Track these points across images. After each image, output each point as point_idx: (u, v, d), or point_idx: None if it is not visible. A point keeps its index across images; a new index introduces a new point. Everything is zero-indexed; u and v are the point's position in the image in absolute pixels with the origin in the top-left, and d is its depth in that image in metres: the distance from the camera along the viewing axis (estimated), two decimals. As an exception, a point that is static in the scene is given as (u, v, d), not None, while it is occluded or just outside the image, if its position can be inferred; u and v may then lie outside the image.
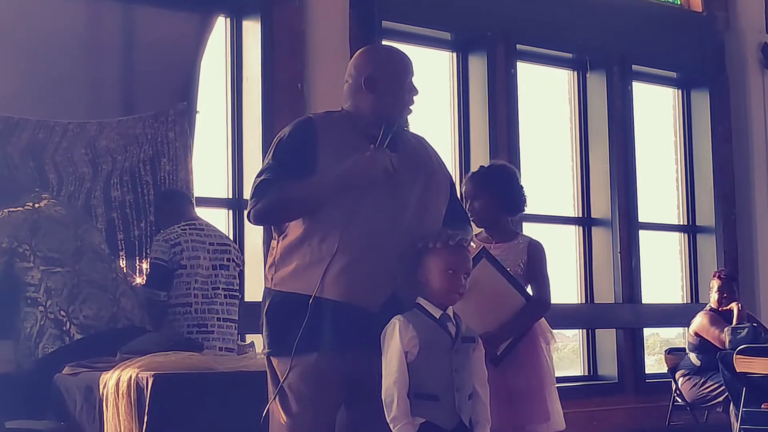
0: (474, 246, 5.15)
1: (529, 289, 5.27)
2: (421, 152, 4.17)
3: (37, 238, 5.67)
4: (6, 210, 5.75)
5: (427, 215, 4.02)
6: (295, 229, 3.98)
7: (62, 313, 5.57)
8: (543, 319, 5.30)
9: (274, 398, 3.95)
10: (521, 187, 5.43)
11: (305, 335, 3.83)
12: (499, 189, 5.34)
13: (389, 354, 3.77)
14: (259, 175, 4.02)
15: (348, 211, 3.88)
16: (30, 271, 5.62)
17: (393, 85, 4.12)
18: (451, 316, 3.89)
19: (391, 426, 3.72)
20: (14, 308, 5.66)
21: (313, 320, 3.83)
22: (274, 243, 4.08)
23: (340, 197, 3.90)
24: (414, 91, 4.15)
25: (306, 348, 3.85)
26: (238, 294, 6.29)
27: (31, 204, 5.83)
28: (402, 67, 4.17)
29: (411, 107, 4.14)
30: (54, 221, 5.80)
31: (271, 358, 3.99)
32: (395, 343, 3.76)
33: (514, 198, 5.38)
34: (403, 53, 4.27)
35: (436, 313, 3.85)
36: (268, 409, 3.98)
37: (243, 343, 6.45)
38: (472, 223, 4.99)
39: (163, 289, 6.08)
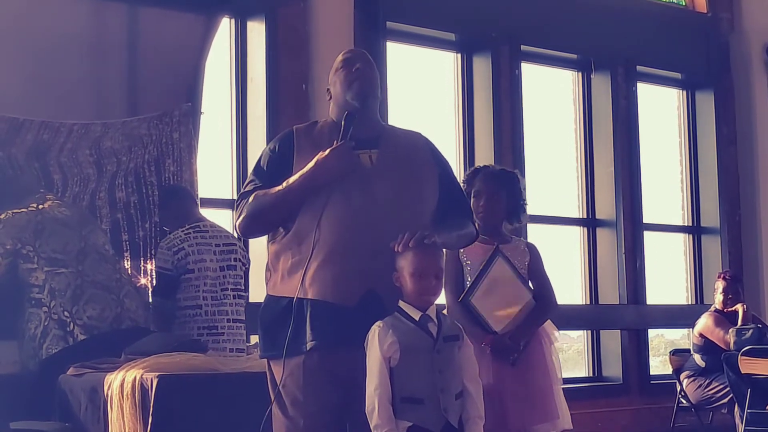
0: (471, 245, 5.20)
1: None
2: (407, 148, 4.16)
3: (41, 240, 5.67)
4: (10, 211, 5.75)
5: (403, 212, 3.97)
6: (280, 234, 4.05)
7: (66, 313, 5.57)
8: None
9: (273, 402, 3.98)
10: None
11: (292, 337, 3.88)
12: (512, 193, 5.36)
13: (370, 362, 3.77)
14: (240, 191, 4.14)
15: (321, 210, 3.92)
16: (34, 272, 5.63)
17: (336, 82, 4.19)
18: (433, 316, 3.85)
19: None
20: (19, 309, 5.67)
21: (297, 322, 3.89)
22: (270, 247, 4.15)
23: (312, 197, 3.94)
24: (350, 75, 4.13)
25: (294, 350, 3.90)
26: (245, 294, 6.30)
27: (35, 205, 5.83)
28: (338, 62, 4.22)
29: (360, 93, 4.10)
30: (58, 222, 5.80)
31: (268, 362, 4.04)
32: (375, 351, 3.75)
33: (521, 206, 5.41)
34: (348, 50, 4.34)
35: (416, 315, 3.82)
36: (270, 412, 3.99)
37: (249, 344, 6.45)
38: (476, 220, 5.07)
39: (168, 297, 6.11)
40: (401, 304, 3.84)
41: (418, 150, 4.19)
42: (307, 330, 3.88)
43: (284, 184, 3.98)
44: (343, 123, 4.01)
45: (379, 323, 3.78)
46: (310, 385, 3.90)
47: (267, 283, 4.11)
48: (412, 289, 3.81)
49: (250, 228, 4.14)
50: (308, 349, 3.87)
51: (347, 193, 3.95)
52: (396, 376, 3.75)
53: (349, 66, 4.17)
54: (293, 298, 3.91)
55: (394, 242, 3.82)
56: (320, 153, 3.95)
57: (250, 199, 4.06)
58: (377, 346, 3.74)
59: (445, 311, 5.06)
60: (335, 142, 3.98)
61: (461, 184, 5.37)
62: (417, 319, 3.81)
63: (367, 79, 4.15)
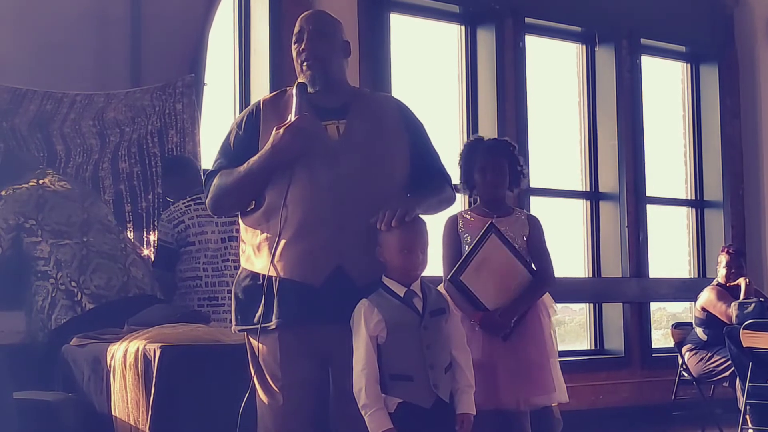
0: (469, 218, 5.20)
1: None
2: (377, 116, 4.06)
3: (44, 213, 5.68)
4: (11, 188, 5.76)
5: (371, 186, 3.89)
6: (251, 208, 4.00)
7: (73, 284, 5.58)
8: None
9: (254, 376, 3.98)
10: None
11: (265, 313, 3.86)
12: (512, 162, 5.35)
13: (357, 341, 3.75)
14: (209, 170, 4.11)
15: (286, 187, 3.84)
16: (38, 245, 5.63)
17: (293, 50, 4.12)
18: (418, 291, 3.82)
19: (363, 414, 3.71)
20: (25, 283, 5.68)
21: (267, 299, 3.86)
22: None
23: (278, 174, 3.87)
24: (299, 56, 4.06)
25: (266, 327, 3.87)
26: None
27: (35, 180, 5.83)
28: (295, 28, 4.12)
29: (305, 64, 4.04)
30: (59, 195, 5.81)
31: (247, 335, 4.02)
32: (361, 330, 3.73)
33: (520, 172, 5.40)
34: (302, 16, 4.19)
35: (401, 291, 3.79)
36: (251, 388, 3.99)
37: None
38: (476, 192, 5.09)
39: (168, 270, 6.13)
40: (385, 280, 3.81)
41: (388, 117, 4.08)
42: (275, 309, 3.86)
43: (245, 165, 3.92)
44: (294, 96, 3.93)
45: (364, 301, 3.76)
46: (286, 360, 3.88)
47: (241, 256, 4.08)
48: (399, 265, 3.78)
49: (218, 208, 4.14)
50: (273, 327, 3.85)
51: (313, 169, 3.87)
52: (384, 354, 3.74)
53: (298, 42, 4.09)
54: (263, 275, 3.88)
55: (374, 219, 3.77)
56: (275, 131, 3.86)
57: (215, 180, 4.03)
58: (363, 325, 3.73)
59: (440, 286, 5.07)
60: (288, 117, 3.89)
61: (457, 158, 5.38)
62: (402, 295, 3.79)
63: (314, 57, 4.05)
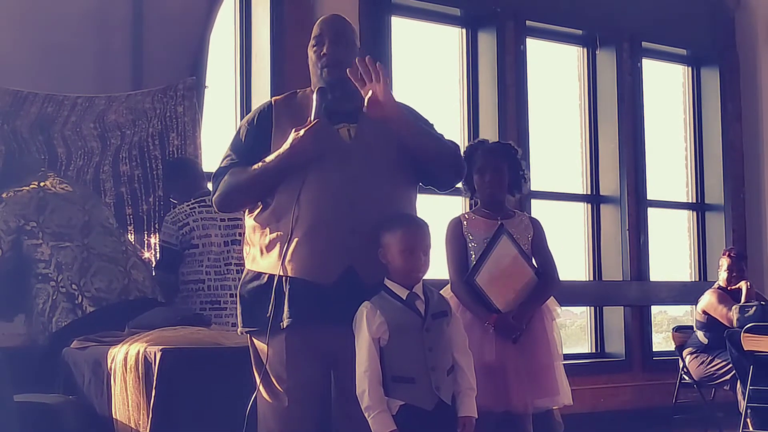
0: (473, 220, 5.21)
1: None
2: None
3: (45, 215, 5.68)
4: (11, 190, 5.76)
5: (382, 188, 3.94)
6: (258, 208, 4.02)
7: (74, 286, 5.58)
8: (550, 294, 5.34)
9: (260, 379, 3.97)
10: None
11: (274, 314, 3.87)
12: (513, 165, 5.35)
13: (359, 343, 3.76)
14: (218, 166, 4.12)
15: (299, 187, 3.87)
16: (39, 247, 5.63)
17: (311, 57, 4.13)
18: (420, 293, 3.84)
19: (366, 415, 3.72)
20: (26, 286, 5.67)
21: (277, 299, 3.87)
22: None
23: (291, 175, 3.89)
24: (319, 60, 4.07)
25: (274, 327, 3.88)
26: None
27: (36, 183, 5.83)
28: (313, 34, 4.13)
29: (326, 69, 4.04)
30: (60, 198, 5.80)
31: (251, 337, 4.03)
32: (364, 332, 3.74)
33: (521, 176, 5.40)
34: (322, 20, 4.20)
35: (403, 293, 3.81)
36: (257, 390, 3.99)
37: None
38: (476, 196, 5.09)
39: (171, 272, 6.12)
40: (387, 282, 3.82)
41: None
42: (285, 308, 3.87)
43: (261, 163, 3.94)
44: (315, 99, 3.96)
45: (366, 304, 3.77)
46: (292, 361, 3.89)
47: (246, 257, 4.09)
48: (401, 266, 3.80)
49: (226, 204, 4.15)
50: (284, 327, 3.86)
51: (325, 170, 3.90)
52: (386, 356, 3.75)
53: (318, 45, 4.10)
54: (272, 274, 3.90)
55: (379, 214, 3.84)
56: (294, 132, 3.90)
57: (226, 176, 4.04)
58: (366, 328, 3.74)
59: (446, 288, 5.08)
60: (308, 119, 3.92)
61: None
62: (404, 297, 3.80)
63: (335, 63, 4.05)
